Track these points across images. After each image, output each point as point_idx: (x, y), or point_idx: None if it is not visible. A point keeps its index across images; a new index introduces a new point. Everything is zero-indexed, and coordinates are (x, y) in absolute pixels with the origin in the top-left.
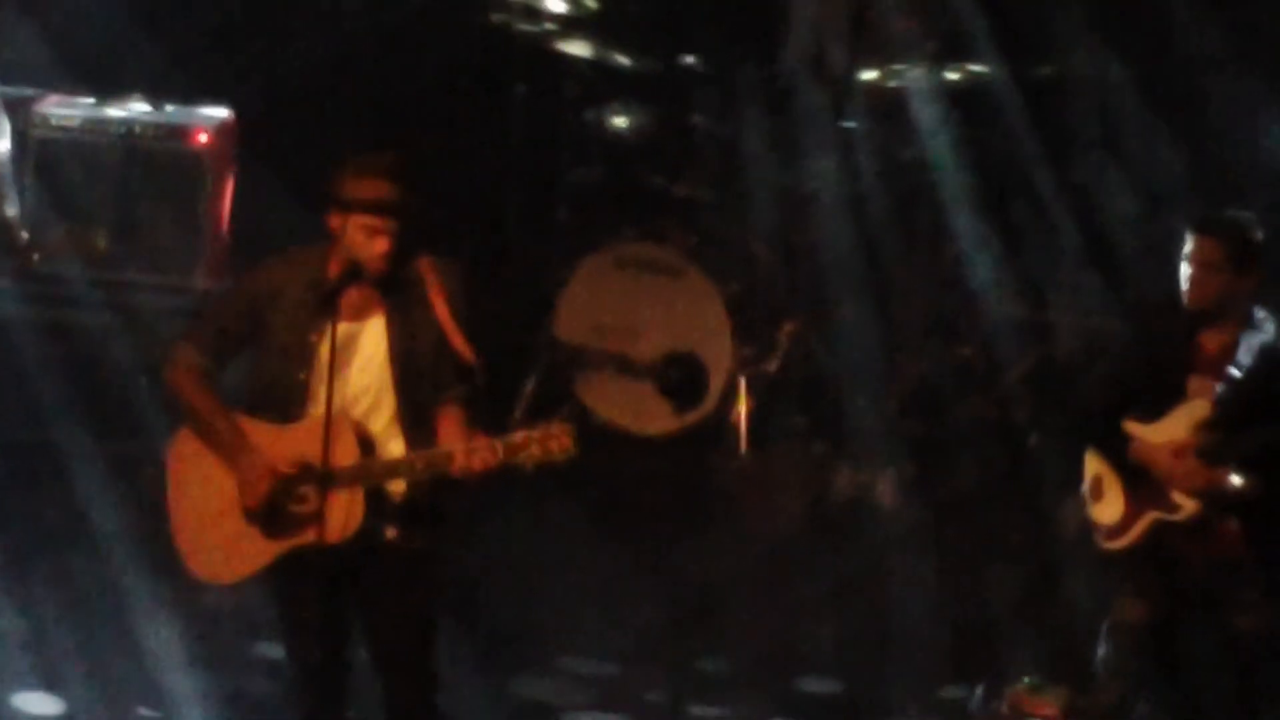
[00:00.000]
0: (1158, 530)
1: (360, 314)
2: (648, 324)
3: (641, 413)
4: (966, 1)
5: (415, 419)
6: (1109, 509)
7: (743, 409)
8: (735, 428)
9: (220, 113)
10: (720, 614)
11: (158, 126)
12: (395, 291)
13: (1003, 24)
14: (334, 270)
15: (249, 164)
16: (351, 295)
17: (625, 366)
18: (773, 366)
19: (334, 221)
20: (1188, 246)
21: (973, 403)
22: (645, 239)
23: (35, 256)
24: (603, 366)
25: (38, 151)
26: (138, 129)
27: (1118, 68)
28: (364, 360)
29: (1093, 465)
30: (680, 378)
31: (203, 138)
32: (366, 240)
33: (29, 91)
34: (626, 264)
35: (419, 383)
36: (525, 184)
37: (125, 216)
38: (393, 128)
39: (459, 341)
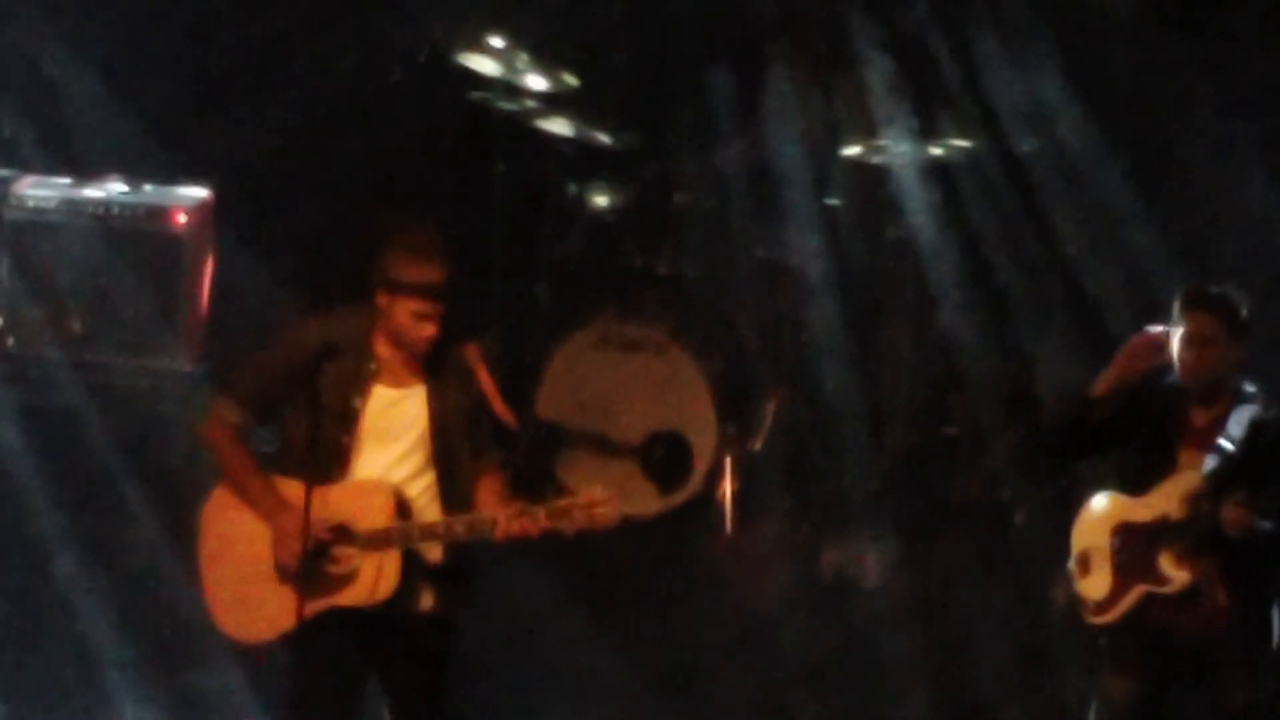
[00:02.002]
0: (1146, 604)
1: (402, 380)
2: (631, 403)
3: (625, 493)
4: (949, 76)
5: (453, 486)
6: (1096, 583)
7: (728, 488)
8: (721, 507)
9: (198, 192)
10: (704, 692)
11: (135, 207)
12: (437, 360)
13: (985, 98)
14: (379, 342)
15: (228, 243)
16: (394, 362)
17: (608, 446)
18: (757, 444)
19: (380, 299)
20: (1182, 324)
21: (959, 480)
22: (627, 317)
23: (11, 339)
24: (585, 446)
25: (14, 232)
26: (115, 209)
27: (1100, 139)
28: (404, 426)
29: (1079, 540)
30: (665, 457)
31: (181, 218)
32: (413, 324)
33: (4, 172)
34: (609, 342)
35: (459, 451)
36: (506, 261)
37: (102, 298)
38: (373, 206)
39: (500, 407)
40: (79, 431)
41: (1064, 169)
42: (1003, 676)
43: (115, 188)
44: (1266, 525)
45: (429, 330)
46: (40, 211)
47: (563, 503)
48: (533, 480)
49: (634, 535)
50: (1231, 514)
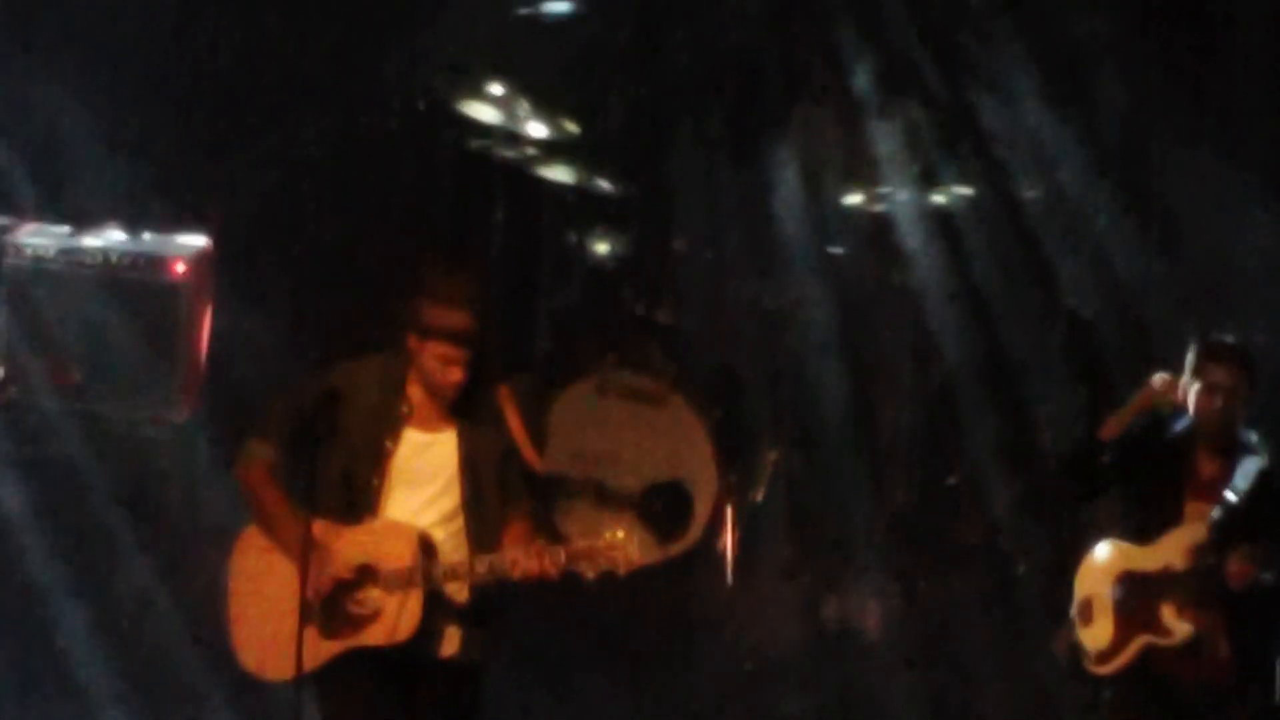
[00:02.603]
0: (1148, 655)
1: (434, 424)
2: (630, 453)
3: None
4: (950, 124)
5: (483, 531)
6: (1098, 633)
7: (729, 538)
8: (721, 557)
9: (197, 242)
10: None
11: (134, 256)
12: (468, 405)
13: (986, 146)
14: (412, 385)
15: (226, 293)
16: (426, 406)
17: (607, 495)
18: (758, 494)
19: (411, 343)
20: (1203, 374)
21: (960, 528)
22: (627, 366)
23: (11, 389)
24: (585, 495)
25: (12, 281)
26: (114, 258)
27: (1101, 187)
28: (435, 470)
29: (1082, 588)
30: (665, 507)
31: (179, 267)
32: (441, 368)
33: (3, 221)
34: (608, 392)
35: (489, 496)
36: (505, 309)
37: (101, 347)
38: (372, 254)
39: (530, 453)
40: (77, 479)
41: (1065, 217)
42: None
43: (114, 237)
44: (1269, 578)
45: (456, 375)
46: (39, 260)
47: (583, 544)
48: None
49: (634, 585)
50: (1235, 567)
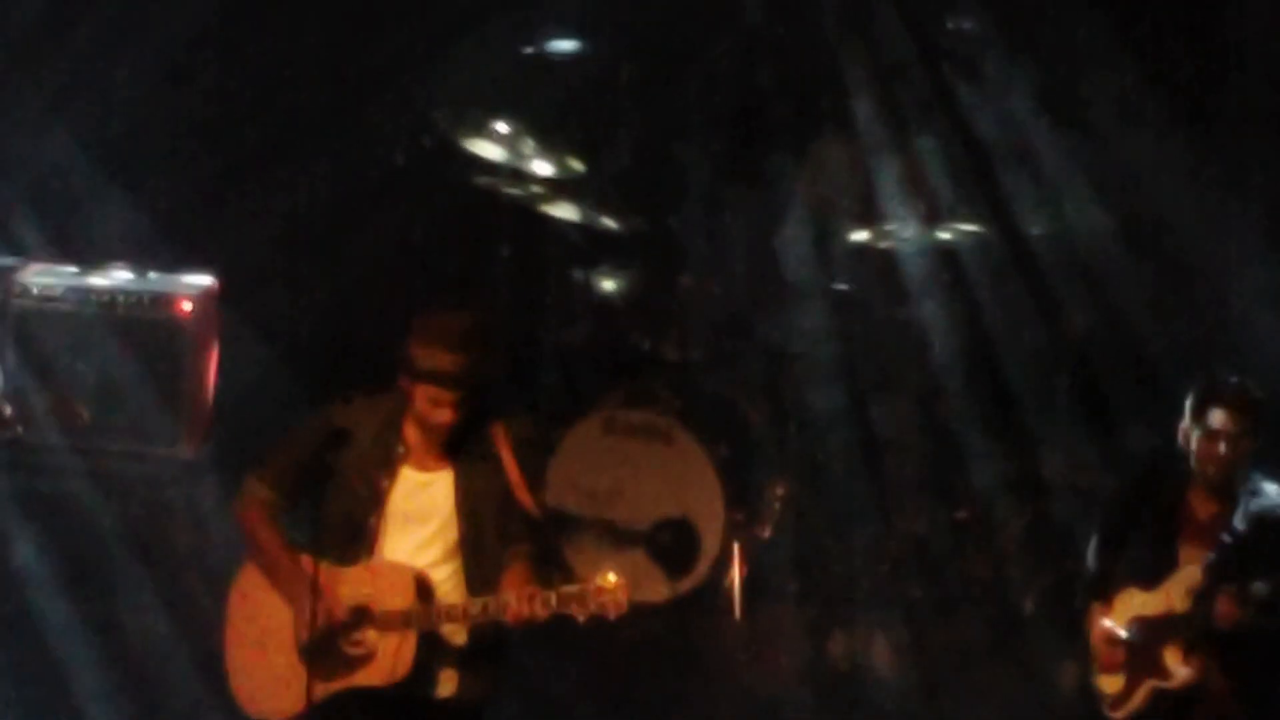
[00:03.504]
0: (1155, 699)
1: (430, 464)
2: (638, 489)
3: (633, 580)
4: (957, 160)
5: (480, 572)
6: (1112, 679)
7: (736, 575)
8: (729, 594)
9: (203, 280)
10: None
11: (141, 295)
12: (465, 447)
13: (994, 182)
14: (408, 425)
15: (233, 331)
16: (422, 446)
17: (615, 532)
18: (765, 531)
19: (403, 383)
20: (1205, 419)
21: (968, 564)
22: (634, 403)
23: (19, 428)
24: (592, 532)
25: (19, 320)
26: (120, 297)
27: (1109, 226)
28: (431, 510)
29: (1096, 633)
30: (672, 544)
31: (186, 306)
32: (432, 409)
33: (10, 260)
34: (615, 429)
35: (485, 538)
36: (511, 347)
37: (108, 386)
38: (377, 291)
39: (526, 497)
40: (84, 518)
41: (1072, 254)
42: None
43: (121, 275)
44: (1258, 619)
45: (447, 416)
46: (46, 299)
47: (574, 588)
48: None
49: (642, 622)
50: (1223, 609)
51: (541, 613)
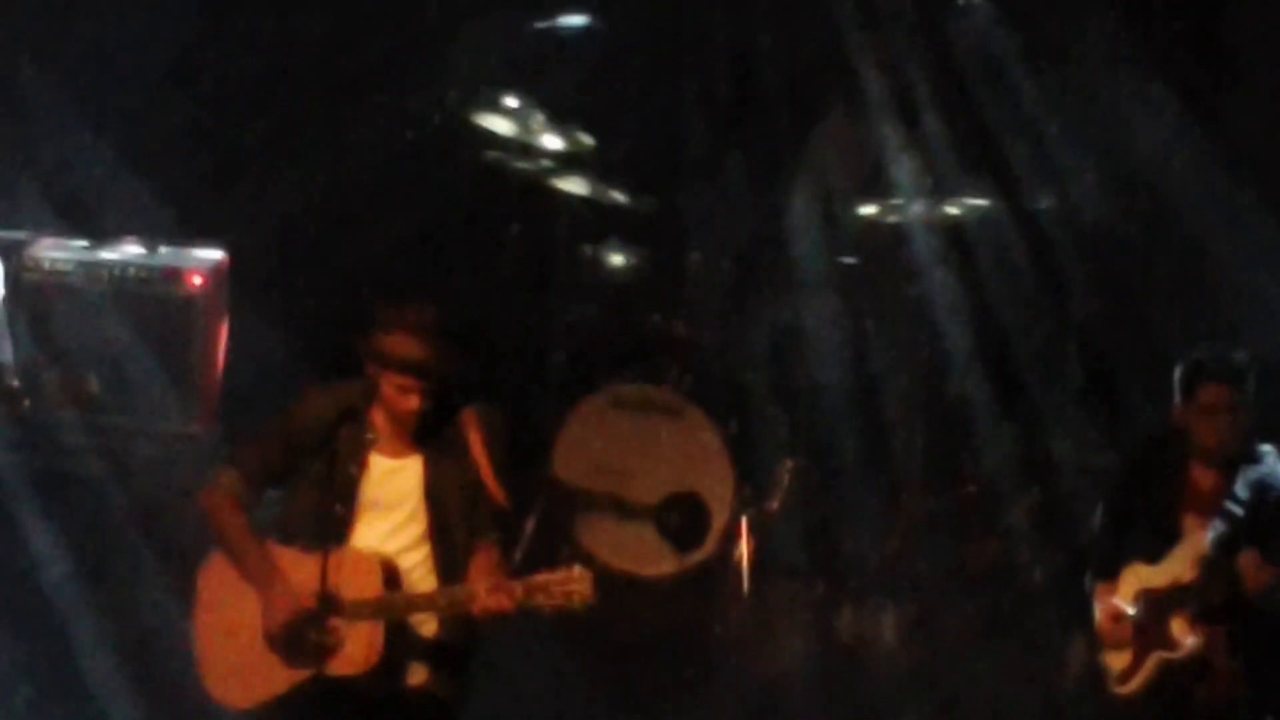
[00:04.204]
0: (1163, 670)
1: (399, 451)
2: (647, 464)
3: (642, 554)
4: (965, 137)
5: (449, 560)
6: (1119, 653)
7: (745, 550)
8: (737, 569)
9: (214, 255)
10: None
11: (151, 269)
12: (433, 433)
13: (1002, 160)
14: (377, 413)
15: (243, 306)
16: (391, 433)
17: (625, 508)
18: (773, 506)
19: (370, 371)
20: (1196, 394)
21: (976, 541)
22: (643, 378)
23: (26, 402)
24: (602, 508)
25: (29, 294)
26: (131, 272)
27: (1116, 204)
28: (401, 497)
29: (1101, 610)
30: (681, 519)
31: (196, 280)
32: (399, 397)
33: (21, 235)
34: (625, 404)
35: (453, 524)
36: (520, 322)
37: (117, 360)
38: (387, 266)
39: (494, 487)
40: (93, 494)
41: (1081, 231)
42: None
43: (131, 250)
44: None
45: (413, 403)
46: (56, 273)
47: (540, 579)
48: (550, 542)
49: (650, 596)
50: (1252, 572)
51: (507, 605)
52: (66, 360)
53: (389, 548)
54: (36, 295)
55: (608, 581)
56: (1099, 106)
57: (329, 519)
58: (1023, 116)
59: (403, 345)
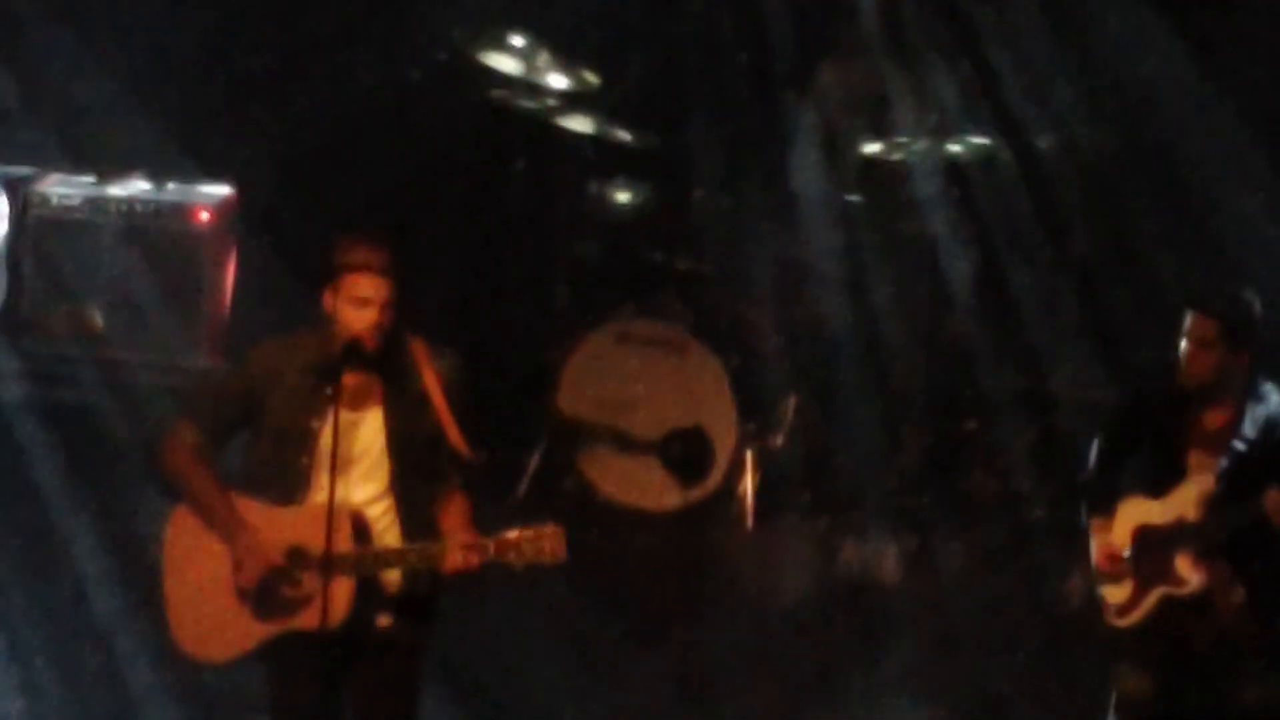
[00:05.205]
0: (1165, 605)
1: (360, 404)
2: (651, 399)
3: (646, 488)
4: (968, 75)
5: (412, 509)
6: (1118, 586)
7: (749, 483)
8: (741, 502)
9: (221, 190)
10: (723, 690)
11: (158, 205)
12: (393, 381)
13: (1004, 98)
14: (333, 358)
15: (251, 242)
16: (351, 383)
17: (629, 442)
18: (777, 441)
19: (327, 300)
20: (1186, 323)
21: (976, 476)
22: (647, 314)
23: (34, 337)
24: (606, 442)
25: (37, 230)
26: (138, 208)
27: (1117, 142)
28: (362, 449)
29: (1101, 543)
30: (685, 452)
31: (204, 216)
32: (357, 313)
33: (28, 170)
34: (628, 340)
35: (416, 474)
36: (525, 259)
37: (124, 296)
38: (393, 203)
39: (455, 435)
40: (100, 429)
41: (1082, 169)
42: (1020, 672)
43: (139, 186)
44: None
45: (371, 314)
46: (64, 209)
47: (511, 536)
48: (555, 476)
49: (654, 530)
50: (1275, 502)
51: (476, 562)
52: (73, 294)
53: (354, 499)
54: (44, 231)
55: (612, 515)
56: (1102, 42)
57: (293, 472)
58: (1025, 53)
59: (358, 252)
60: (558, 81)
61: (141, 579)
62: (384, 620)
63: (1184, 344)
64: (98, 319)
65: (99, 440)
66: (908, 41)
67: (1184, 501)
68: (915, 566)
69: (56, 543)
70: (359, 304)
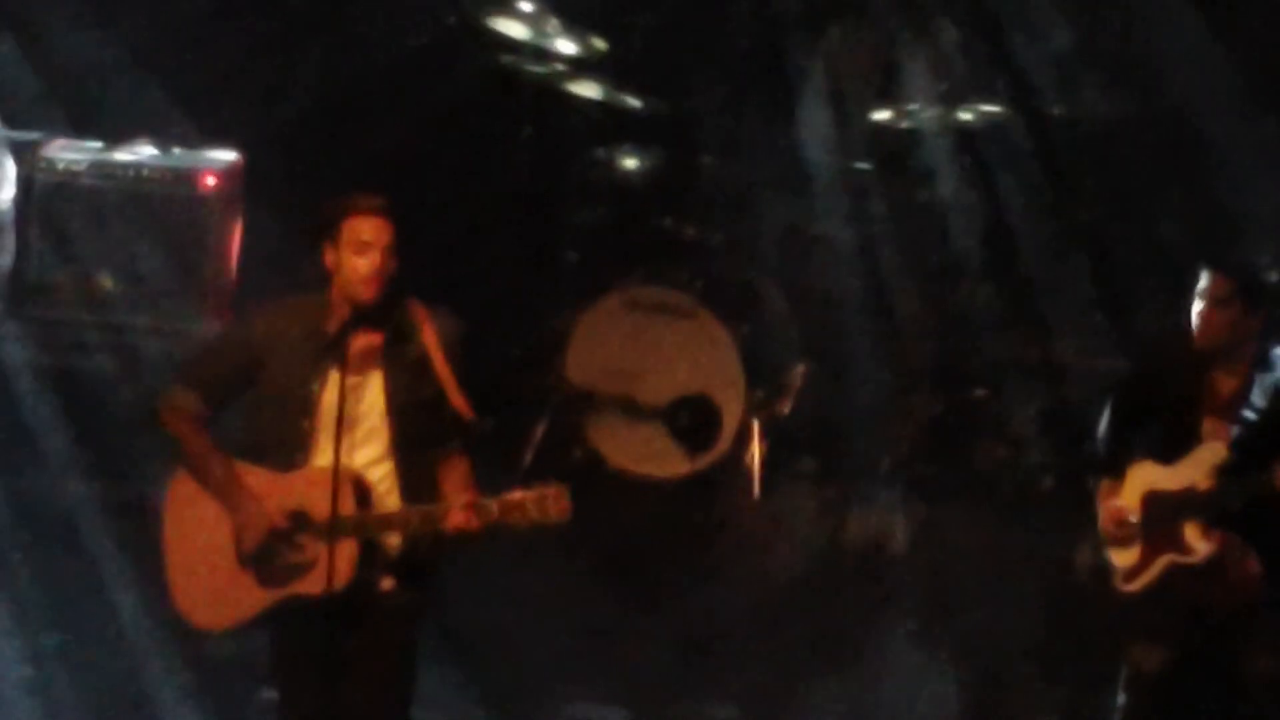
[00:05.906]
0: (1173, 573)
1: (361, 367)
2: (658, 366)
3: (653, 455)
4: (979, 43)
5: (413, 472)
6: (1126, 551)
7: (755, 452)
8: (748, 471)
9: (228, 156)
10: (730, 659)
11: (165, 170)
12: (394, 342)
13: (1014, 65)
14: (333, 321)
15: (257, 207)
16: (353, 347)
17: (636, 409)
18: (784, 409)
19: (328, 256)
20: (1201, 283)
21: (984, 445)
22: (655, 281)
23: (39, 301)
24: (613, 409)
25: (43, 195)
26: (145, 172)
27: (1128, 110)
28: (364, 413)
29: (1108, 507)
30: (692, 420)
31: (210, 181)
32: (359, 258)
33: (35, 135)
34: (636, 307)
35: (417, 437)
36: (532, 226)
37: (131, 260)
38: (400, 168)
39: (456, 398)
40: (105, 394)
41: (1092, 138)
42: (1029, 640)
43: (145, 151)
44: None
45: (375, 258)
46: (70, 174)
47: (515, 496)
48: (562, 444)
49: (661, 497)
50: None
51: (476, 523)
52: (79, 259)
53: (355, 463)
54: (49, 195)
55: (619, 482)
56: (1113, 8)
57: (294, 436)
58: (1036, 20)
59: (362, 200)
60: (566, 47)
61: (149, 545)
62: (386, 583)
63: (1198, 304)
64: (103, 284)
65: (104, 405)
66: (918, 8)
67: (1195, 469)
68: (923, 535)
69: (61, 508)
70: (361, 248)
